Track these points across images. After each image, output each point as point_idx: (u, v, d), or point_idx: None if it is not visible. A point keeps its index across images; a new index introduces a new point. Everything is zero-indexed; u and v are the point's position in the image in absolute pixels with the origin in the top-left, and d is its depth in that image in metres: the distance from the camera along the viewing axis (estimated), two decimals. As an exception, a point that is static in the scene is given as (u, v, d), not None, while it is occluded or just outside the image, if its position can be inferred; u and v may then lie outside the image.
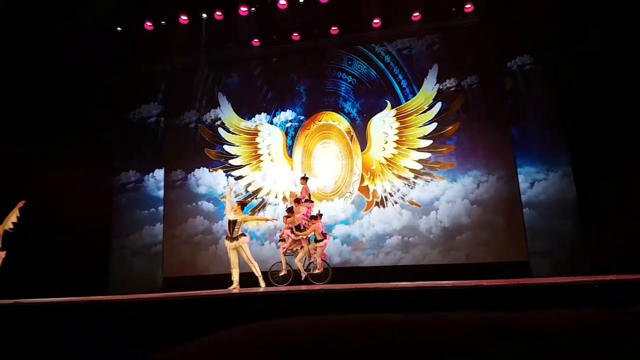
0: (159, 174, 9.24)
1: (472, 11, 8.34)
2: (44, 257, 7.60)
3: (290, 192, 8.41)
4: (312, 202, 7.58)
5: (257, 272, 6.34)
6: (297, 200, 7.44)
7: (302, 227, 7.19)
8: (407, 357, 0.38)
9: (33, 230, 7.06)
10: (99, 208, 8.79)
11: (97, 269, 8.67)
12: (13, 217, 5.99)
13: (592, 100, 6.80)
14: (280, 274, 7.30)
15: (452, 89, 8.36)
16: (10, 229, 6.07)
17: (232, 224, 6.36)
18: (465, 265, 7.77)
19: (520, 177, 7.91)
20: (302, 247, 7.22)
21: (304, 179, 7.73)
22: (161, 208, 9.21)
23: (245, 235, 6.40)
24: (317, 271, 7.02)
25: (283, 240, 7.43)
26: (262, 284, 6.31)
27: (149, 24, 8.70)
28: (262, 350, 0.40)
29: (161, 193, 9.23)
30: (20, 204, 6.07)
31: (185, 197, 9.21)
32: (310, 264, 7.23)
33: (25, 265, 7.16)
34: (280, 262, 7.40)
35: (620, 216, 6.34)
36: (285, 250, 7.30)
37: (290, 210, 7.35)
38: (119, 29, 8.58)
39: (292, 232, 7.24)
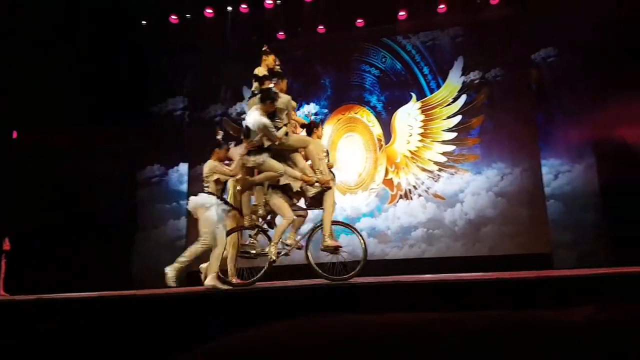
0: (184, 167, 9.79)
1: (498, 3, 8.79)
2: (64, 250, 8.10)
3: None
4: None
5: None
6: None
7: None
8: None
9: (58, 223, 7.65)
10: (124, 201, 9.35)
11: (120, 262, 9.21)
12: None
13: (610, 93, 7.21)
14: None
15: (477, 81, 8.90)
16: None
17: None
18: (489, 257, 8.29)
19: (544, 169, 8.46)
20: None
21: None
22: (183, 202, 9.74)
23: None
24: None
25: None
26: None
27: (174, 17, 9.22)
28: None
29: (184, 187, 9.82)
30: None
31: (208, 190, 9.72)
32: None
33: (50, 258, 7.67)
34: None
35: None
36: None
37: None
38: (143, 22, 9.09)
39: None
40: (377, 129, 9.35)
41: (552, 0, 8.21)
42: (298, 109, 9.74)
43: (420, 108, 9.17)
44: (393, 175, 9.10)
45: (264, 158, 4.83)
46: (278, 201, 4.90)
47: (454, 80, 9.04)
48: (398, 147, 9.16)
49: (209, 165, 4.99)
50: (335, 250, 4.91)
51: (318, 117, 9.67)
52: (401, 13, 9.25)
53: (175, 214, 9.86)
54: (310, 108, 9.73)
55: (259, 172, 4.99)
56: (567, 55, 8.50)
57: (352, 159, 9.36)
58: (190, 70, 10.25)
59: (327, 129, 9.59)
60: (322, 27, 9.60)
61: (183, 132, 10.12)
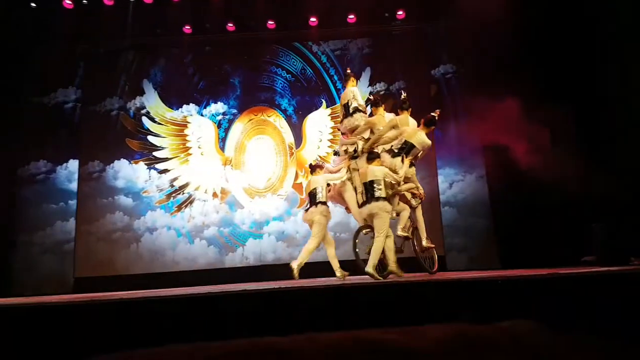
0: (73, 164, 9.05)
1: (404, 18, 9.30)
2: None
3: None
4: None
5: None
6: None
7: None
8: None
9: None
10: (3, 200, 8.39)
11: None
12: None
13: (497, 109, 7.99)
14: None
15: (382, 92, 9.28)
16: None
17: None
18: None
19: (440, 178, 9.11)
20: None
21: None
22: (72, 202, 9.01)
23: None
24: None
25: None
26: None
27: (68, 1, 8.47)
28: None
29: (73, 185, 9.14)
30: None
31: (101, 190, 9.14)
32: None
33: None
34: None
35: (526, 216, 7.67)
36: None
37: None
38: (33, 4, 8.23)
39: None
40: (289, 136, 9.45)
41: (451, 21, 8.89)
42: (205, 107, 9.50)
43: (330, 115, 9.40)
44: (303, 179, 9.22)
45: (413, 172, 5.89)
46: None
47: (362, 90, 9.37)
48: (308, 152, 9.29)
49: (383, 170, 5.44)
50: (430, 249, 6.10)
51: (227, 117, 9.48)
52: (312, 19, 9.41)
53: (63, 215, 9.04)
54: (219, 107, 9.49)
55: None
56: (462, 72, 9.27)
57: (262, 162, 9.30)
58: (86, 60, 9.46)
59: (237, 129, 9.44)
60: (231, 24, 9.42)
61: (74, 126, 9.31)
